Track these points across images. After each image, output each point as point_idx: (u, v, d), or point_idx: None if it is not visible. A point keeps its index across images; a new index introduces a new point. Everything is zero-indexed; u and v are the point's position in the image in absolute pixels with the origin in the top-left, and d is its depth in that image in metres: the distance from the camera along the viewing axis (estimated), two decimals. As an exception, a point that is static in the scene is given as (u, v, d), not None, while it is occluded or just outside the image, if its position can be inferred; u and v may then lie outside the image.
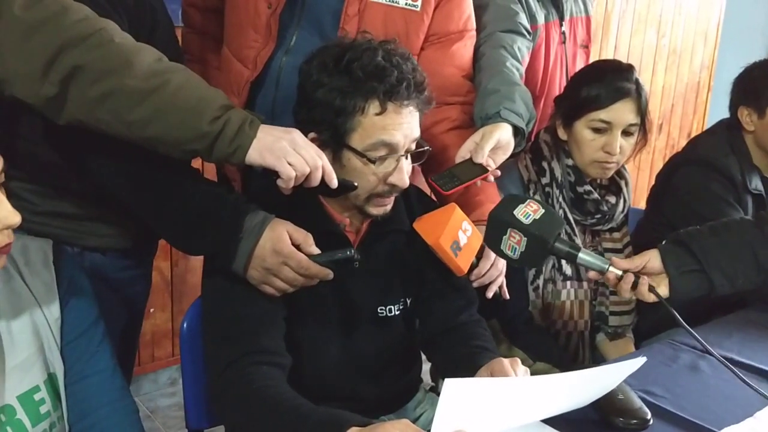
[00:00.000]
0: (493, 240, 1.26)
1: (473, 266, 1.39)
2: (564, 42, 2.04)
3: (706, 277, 1.26)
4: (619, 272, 1.29)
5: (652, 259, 1.28)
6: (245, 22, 1.59)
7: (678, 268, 1.26)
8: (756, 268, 1.26)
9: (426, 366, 1.61)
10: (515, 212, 1.23)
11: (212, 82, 1.60)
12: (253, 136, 1.16)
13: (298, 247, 1.25)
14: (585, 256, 1.25)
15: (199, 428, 1.50)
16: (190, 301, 1.48)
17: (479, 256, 1.41)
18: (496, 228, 1.25)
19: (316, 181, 1.22)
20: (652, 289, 1.26)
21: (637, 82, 1.75)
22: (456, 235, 1.35)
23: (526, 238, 1.21)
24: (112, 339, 1.26)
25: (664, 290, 1.27)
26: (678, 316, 1.25)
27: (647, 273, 1.30)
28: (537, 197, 1.25)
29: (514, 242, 1.23)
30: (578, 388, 1.21)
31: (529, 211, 1.23)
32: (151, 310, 2.81)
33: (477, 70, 1.74)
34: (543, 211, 1.24)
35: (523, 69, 1.80)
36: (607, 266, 1.28)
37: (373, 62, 1.27)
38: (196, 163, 1.44)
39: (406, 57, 1.33)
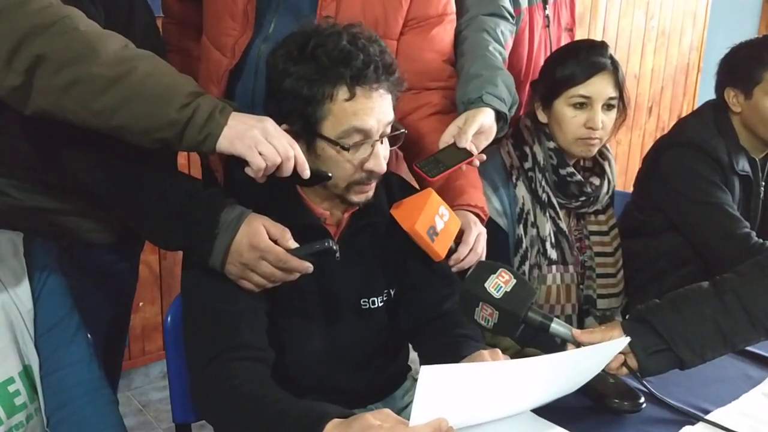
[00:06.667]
0: (466, 310, 1.27)
1: (452, 251, 1.38)
2: (548, 26, 2.03)
3: (675, 355, 1.24)
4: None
5: (615, 336, 1.26)
6: (222, 10, 1.57)
7: (645, 350, 1.24)
8: (722, 340, 1.24)
9: (414, 354, 1.59)
10: (486, 284, 1.24)
11: (193, 72, 1.60)
12: (223, 123, 1.14)
13: (275, 242, 1.22)
14: (557, 326, 1.26)
15: (185, 422, 1.49)
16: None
17: (458, 240, 1.40)
18: (467, 300, 1.26)
19: (287, 171, 1.19)
20: (626, 364, 1.26)
21: (611, 57, 1.75)
22: (432, 220, 1.34)
23: (497, 312, 1.23)
24: (101, 333, 1.25)
25: (632, 362, 1.26)
26: (653, 390, 1.30)
27: None
28: (509, 266, 1.26)
29: (486, 314, 1.24)
30: (563, 370, 1.20)
31: (500, 283, 1.24)
32: (141, 304, 2.80)
33: (459, 54, 1.72)
34: (514, 281, 1.24)
35: (506, 53, 1.78)
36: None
37: (338, 47, 1.24)
38: (184, 156, 1.42)
39: (373, 39, 1.30)
